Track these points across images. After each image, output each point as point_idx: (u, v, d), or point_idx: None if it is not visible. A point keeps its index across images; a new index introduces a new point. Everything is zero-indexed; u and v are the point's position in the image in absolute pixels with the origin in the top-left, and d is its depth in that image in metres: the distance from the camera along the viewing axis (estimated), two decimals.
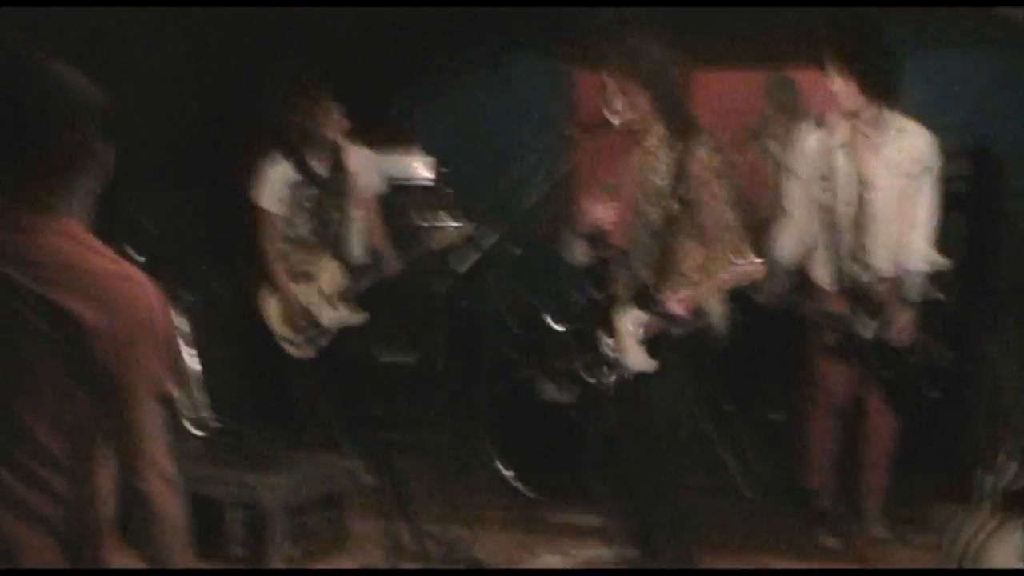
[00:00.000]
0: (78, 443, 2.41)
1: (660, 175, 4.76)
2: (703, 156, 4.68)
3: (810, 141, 5.47)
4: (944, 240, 5.71)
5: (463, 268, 5.45)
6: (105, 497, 2.46)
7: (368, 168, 6.50)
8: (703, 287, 4.69)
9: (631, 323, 4.79)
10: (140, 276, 2.42)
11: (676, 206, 4.70)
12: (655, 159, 4.78)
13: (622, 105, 4.76)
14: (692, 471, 6.07)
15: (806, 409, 5.66)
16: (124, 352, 2.36)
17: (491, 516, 5.55)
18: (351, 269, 6.35)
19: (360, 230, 6.47)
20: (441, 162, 7.34)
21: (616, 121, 4.76)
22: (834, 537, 5.55)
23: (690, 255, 4.71)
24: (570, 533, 5.72)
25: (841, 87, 5.22)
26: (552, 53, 7.93)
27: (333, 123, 6.27)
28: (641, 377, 4.81)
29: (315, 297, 6.30)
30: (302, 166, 6.33)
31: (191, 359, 6.11)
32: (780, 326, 5.75)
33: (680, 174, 4.69)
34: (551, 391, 6.18)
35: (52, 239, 2.40)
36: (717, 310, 4.74)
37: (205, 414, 6.03)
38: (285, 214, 6.35)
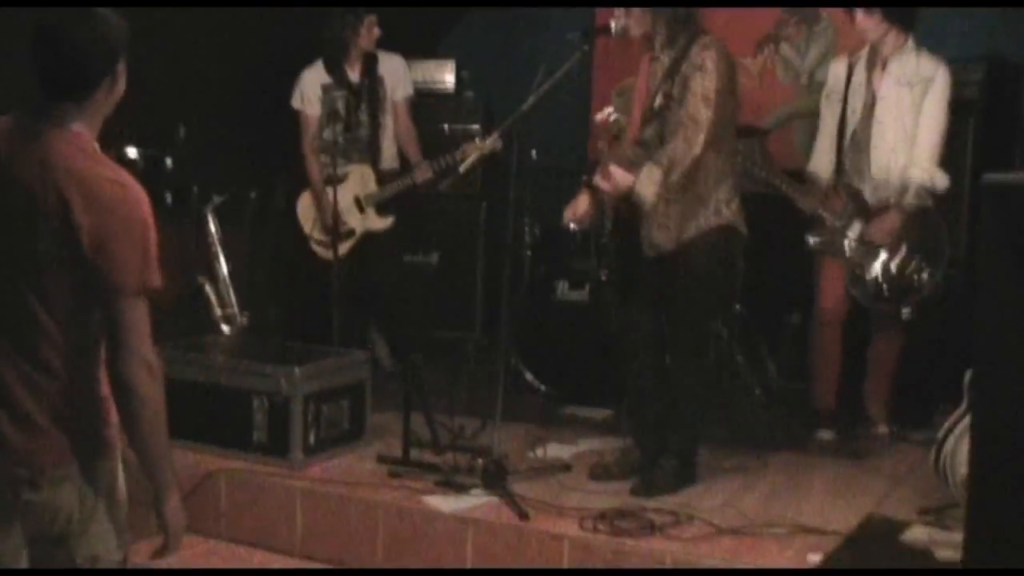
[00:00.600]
0: (78, 333, 2.77)
1: (658, 75, 4.91)
2: (694, 52, 4.79)
3: (838, 63, 5.77)
4: (953, 145, 5.89)
5: (461, 168, 5.59)
6: (100, 381, 2.83)
7: (398, 73, 6.67)
8: (637, 168, 4.78)
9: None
10: (131, 183, 2.77)
11: (659, 100, 4.86)
12: (659, 62, 4.93)
13: (627, 11, 4.93)
14: (701, 370, 6.37)
15: (812, 312, 5.82)
16: (108, 249, 2.67)
17: (505, 409, 5.74)
18: (381, 174, 6.56)
19: (390, 136, 6.66)
20: (460, 66, 7.48)
21: (614, 26, 4.92)
22: (831, 432, 5.74)
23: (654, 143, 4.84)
24: (578, 425, 5.96)
25: (864, 20, 5.47)
26: None
27: (367, 32, 6.47)
28: (635, 280, 5.01)
29: (346, 200, 6.50)
30: (334, 70, 6.54)
31: (220, 258, 6.39)
32: (797, 227, 5.89)
33: (672, 72, 4.84)
34: (564, 289, 6.38)
35: (64, 148, 2.72)
36: (648, 192, 4.75)
37: (232, 310, 6.29)
38: (319, 116, 6.55)
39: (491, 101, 7.61)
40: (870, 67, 5.59)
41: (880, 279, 5.51)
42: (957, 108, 5.69)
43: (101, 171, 2.74)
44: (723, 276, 5.08)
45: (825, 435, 5.73)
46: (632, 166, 4.80)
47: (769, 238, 6.33)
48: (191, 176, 6.67)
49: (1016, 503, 3.23)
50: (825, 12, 7.10)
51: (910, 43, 5.53)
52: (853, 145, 5.59)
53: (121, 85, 2.85)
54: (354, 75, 6.58)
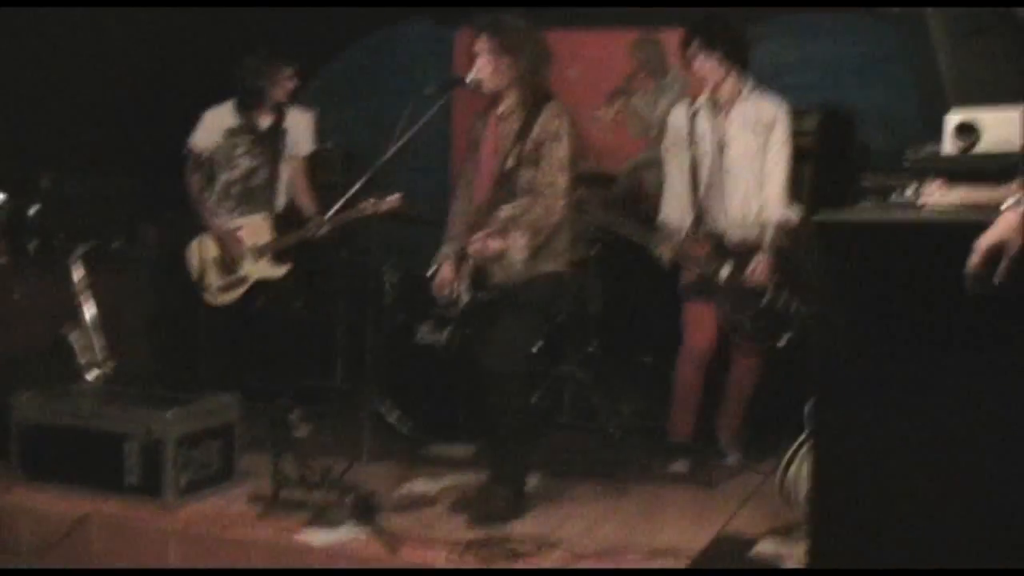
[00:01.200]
0: None
1: (509, 136, 5.19)
2: (545, 119, 5.13)
3: (677, 112, 6.03)
4: (794, 190, 6.27)
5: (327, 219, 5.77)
6: None
7: (305, 129, 6.80)
8: (508, 235, 5.10)
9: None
10: None
11: (511, 163, 5.15)
12: (508, 122, 5.22)
13: (484, 66, 5.20)
14: (558, 410, 6.63)
15: (675, 350, 6.09)
16: None
17: (371, 450, 5.91)
18: (277, 224, 6.66)
19: (287, 187, 6.78)
20: (321, 119, 7.67)
21: (469, 79, 5.20)
22: (685, 462, 6.00)
23: (513, 205, 5.12)
24: (443, 462, 6.14)
25: (702, 63, 5.79)
26: (434, 18, 8.29)
27: (282, 83, 6.60)
28: (488, 317, 5.26)
29: (241, 247, 6.60)
30: (243, 115, 6.64)
31: (87, 304, 6.45)
32: (653, 272, 6.19)
33: (523, 135, 5.13)
34: (424, 333, 6.58)
35: None
36: (516, 259, 5.11)
37: (97, 358, 6.36)
38: (218, 159, 6.64)
39: (352, 152, 7.80)
40: (713, 114, 5.89)
41: (756, 317, 5.81)
42: (794, 155, 6.07)
43: None
44: (545, 317, 5.47)
45: (679, 467, 5.99)
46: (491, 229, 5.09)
47: (625, 282, 6.68)
48: (55, 225, 6.75)
49: (852, 514, 3.53)
50: (673, 64, 7.46)
51: (748, 86, 5.87)
52: (708, 192, 5.87)
53: None
54: (262, 122, 6.68)
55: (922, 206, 3.67)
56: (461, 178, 5.53)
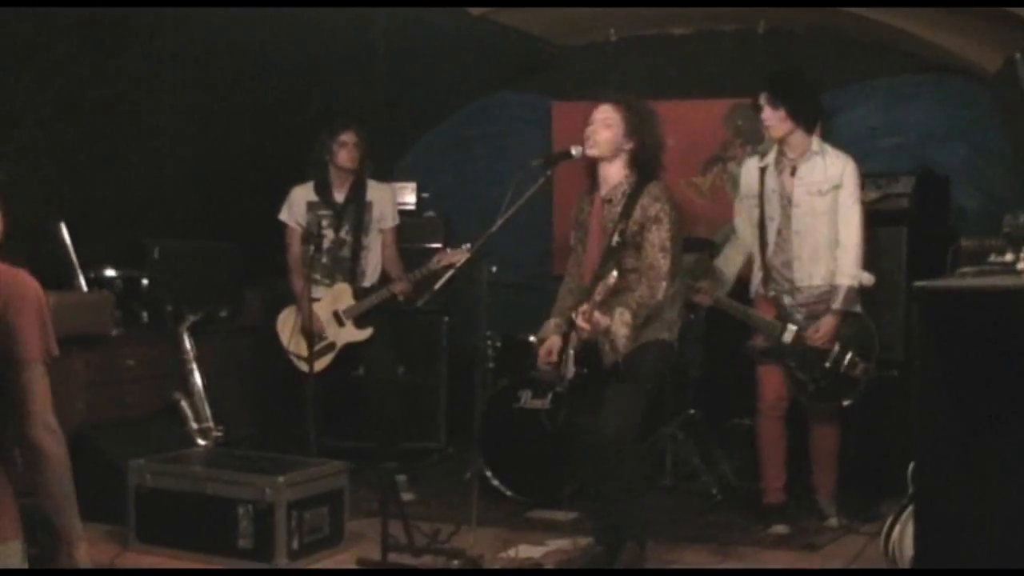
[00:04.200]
0: None
1: (613, 218, 5.31)
2: (646, 202, 5.22)
3: (749, 165, 6.15)
4: (887, 252, 6.33)
5: (437, 285, 5.89)
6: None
7: (387, 203, 7.00)
8: (611, 313, 5.15)
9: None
10: (26, 276, 3.12)
11: (616, 241, 5.26)
12: (612, 203, 5.33)
13: (596, 132, 5.31)
14: (660, 473, 6.68)
15: (755, 412, 6.17)
16: (12, 329, 3.05)
17: (476, 514, 5.99)
18: (360, 289, 6.87)
19: (373, 258, 6.97)
20: (421, 188, 7.86)
21: (574, 151, 5.32)
22: (784, 525, 6.03)
23: (615, 281, 5.15)
24: (546, 527, 6.21)
25: (770, 116, 5.89)
26: (531, 88, 8.46)
27: (340, 150, 6.81)
28: (591, 387, 5.35)
29: (325, 314, 6.81)
30: (321, 191, 6.88)
31: (195, 374, 6.66)
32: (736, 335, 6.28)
33: (626, 215, 5.25)
34: (527, 398, 6.69)
35: None
36: (621, 334, 5.17)
37: (208, 424, 6.55)
38: (309, 232, 6.85)
39: (451, 219, 7.97)
40: (780, 171, 5.97)
41: (820, 379, 5.87)
42: (890, 218, 6.14)
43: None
44: (658, 382, 5.52)
45: (779, 529, 6.02)
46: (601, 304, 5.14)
47: (723, 347, 6.76)
48: (165, 295, 6.98)
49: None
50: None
51: (814, 144, 5.92)
52: (776, 252, 5.97)
53: None
54: (340, 196, 6.89)
55: (1021, 271, 3.72)
56: (571, 256, 5.61)
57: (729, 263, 6.21)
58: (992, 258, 4.23)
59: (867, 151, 6.91)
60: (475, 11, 7.03)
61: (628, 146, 5.30)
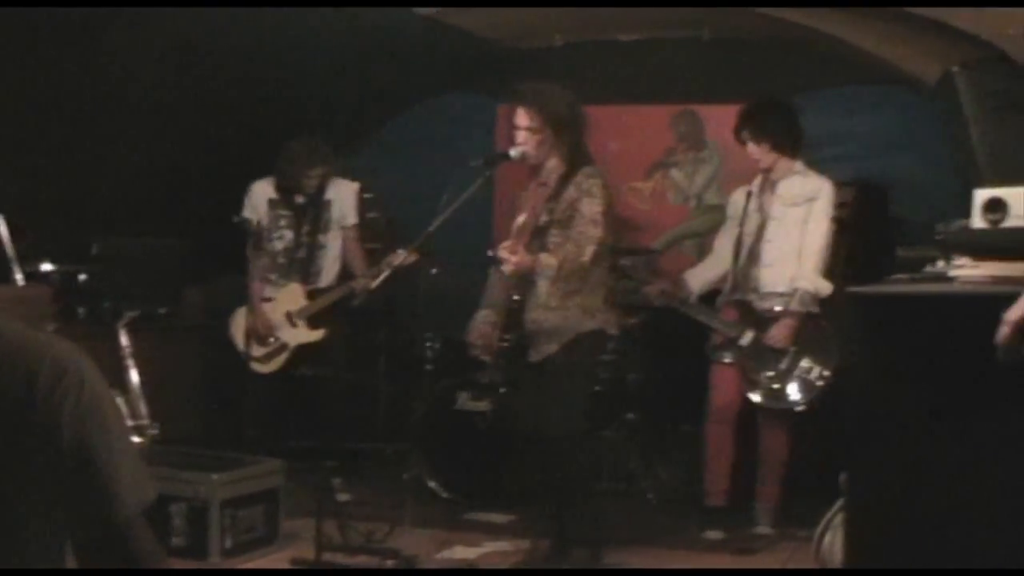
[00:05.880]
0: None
1: (545, 193, 5.35)
2: (579, 179, 5.31)
3: (736, 196, 6.32)
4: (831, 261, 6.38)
5: (373, 284, 5.90)
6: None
7: (347, 198, 7.00)
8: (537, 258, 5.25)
9: None
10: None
11: (543, 220, 5.32)
12: (548, 188, 5.36)
13: (526, 140, 5.34)
14: (600, 475, 6.69)
15: (705, 416, 6.19)
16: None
17: (412, 514, 5.98)
18: (313, 290, 6.84)
19: (331, 257, 6.96)
20: (364, 189, 7.82)
21: (513, 153, 5.35)
22: (718, 530, 6.06)
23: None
24: (483, 529, 6.21)
25: (754, 151, 6.04)
26: (476, 89, 8.45)
27: (312, 178, 6.79)
28: (534, 384, 5.36)
29: (277, 315, 6.77)
30: (282, 188, 6.86)
31: (132, 371, 6.58)
32: (694, 341, 6.31)
33: (557, 195, 5.30)
34: (465, 399, 6.68)
35: None
36: (547, 264, 5.23)
37: (144, 421, 6.48)
38: (266, 229, 6.84)
39: (395, 220, 7.93)
40: (762, 191, 6.12)
41: (774, 379, 5.91)
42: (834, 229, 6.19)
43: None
44: (594, 372, 5.74)
45: (714, 534, 6.06)
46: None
47: (663, 351, 6.78)
48: (103, 290, 6.91)
49: None
50: (711, 139, 7.59)
51: (797, 166, 6.06)
52: (748, 261, 6.07)
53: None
54: (300, 197, 6.87)
55: (952, 279, 3.75)
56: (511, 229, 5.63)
57: (698, 278, 6.31)
58: (927, 268, 4.27)
59: (811, 160, 6.93)
60: (423, 12, 7.01)
61: (557, 142, 5.36)
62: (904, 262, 4.76)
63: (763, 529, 6.09)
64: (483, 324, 5.54)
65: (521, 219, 5.51)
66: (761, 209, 6.10)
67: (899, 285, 3.80)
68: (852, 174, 7.02)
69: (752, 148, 6.05)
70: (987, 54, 5.35)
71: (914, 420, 3.49)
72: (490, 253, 5.49)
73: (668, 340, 6.90)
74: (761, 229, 6.06)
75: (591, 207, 5.26)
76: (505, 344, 5.44)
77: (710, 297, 6.29)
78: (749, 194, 6.18)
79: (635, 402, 7.00)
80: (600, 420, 6.73)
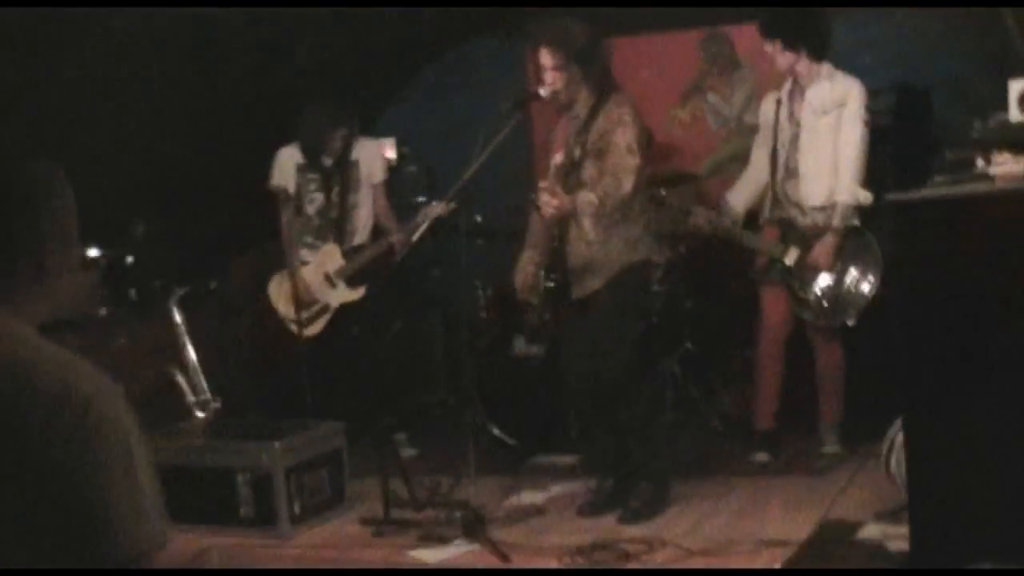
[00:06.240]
0: None
1: (576, 126, 5.30)
2: (608, 108, 5.25)
3: (766, 105, 6.17)
4: (872, 170, 6.27)
5: (413, 238, 5.90)
6: None
7: (372, 157, 6.97)
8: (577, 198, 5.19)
9: None
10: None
11: (577, 154, 5.26)
12: (579, 121, 5.30)
13: (555, 79, 5.29)
14: (660, 407, 6.65)
15: (756, 338, 6.13)
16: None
17: (476, 463, 5.99)
18: (348, 250, 6.83)
19: (363, 216, 6.93)
20: (401, 142, 7.79)
21: (543, 92, 5.29)
22: (765, 453, 6.05)
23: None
24: (548, 472, 6.22)
25: (780, 56, 5.88)
26: (505, 34, 8.36)
27: (335, 141, 6.77)
28: (580, 323, 5.33)
29: (316, 277, 6.78)
30: (309, 152, 6.83)
31: (188, 348, 6.61)
32: (744, 266, 6.24)
33: (587, 127, 5.25)
34: (521, 344, 6.66)
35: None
36: (587, 204, 5.17)
37: (205, 396, 6.51)
38: (295, 194, 6.84)
39: (433, 172, 7.91)
40: (792, 99, 5.97)
41: (822, 297, 5.84)
42: (872, 136, 6.07)
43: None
44: (644, 304, 5.59)
45: (761, 457, 6.05)
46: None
47: (716, 278, 6.72)
48: (152, 271, 6.94)
49: (950, 495, 3.54)
50: (743, 57, 7.46)
51: (824, 69, 5.90)
52: (785, 176, 5.96)
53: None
54: (328, 159, 6.84)
55: (994, 177, 3.67)
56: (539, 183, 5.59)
57: (739, 195, 6.16)
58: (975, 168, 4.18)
59: (848, 69, 6.80)
60: None
61: (583, 76, 5.28)
62: (954, 165, 4.68)
63: (830, 448, 6.03)
64: (527, 267, 5.50)
65: (558, 157, 5.47)
66: (792, 118, 5.96)
67: (938, 188, 3.73)
68: (890, 80, 6.88)
69: (777, 53, 5.89)
70: None
71: (960, 324, 3.43)
72: (530, 196, 5.44)
73: (720, 265, 6.83)
74: (795, 140, 5.93)
75: (625, 136, 5.19)
76: (551, 284, 5.39)
77: (752, 216, 6.19)
78: (779, 102, 6.02)
79: (692, 331, 6.95)
80: (657, 351, 6.69)
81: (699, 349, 6.94)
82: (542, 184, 5.30)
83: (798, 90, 5.95)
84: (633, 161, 5.16)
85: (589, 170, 5.25)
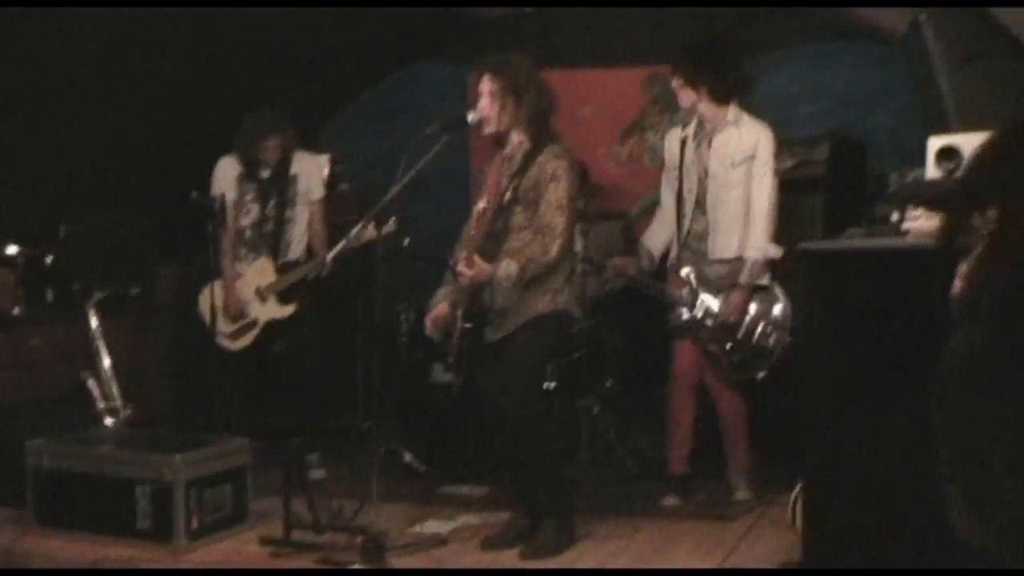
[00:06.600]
0: None
1: (510, 169, 5.23)
2: (544, 159, 5.17)
3: (672, 135, 6.05)
4: (803, 219, 6.26)
5: (329, 256, 5.85)
6: None
7: (312, 172, 6.89)
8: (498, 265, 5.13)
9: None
10: None
11: (507, 198, 5.20)
12: (514, 164, 5.24)
13: (486, 106, 5.23)
14: (573, 444, 6.59)
15: (669, 380, 6.08)
16: None
17: (386, 489, 5.89)
18: (282, 265, 6.73)
19: (298, 231, 6.84)
20: (335, 160, 7.71)
21: (471, 117, 5.23)
22: (675, 497, 5.99)
23: (511, 239, 5.19)
24: (457, 503, 6.12)
25: (674, 84, 5.84)
26: (450, 57, 8.33)
27: (269, 150, 6.68)
28: (495, 360, 5.27)
29: (247, 291, 6.67)
30: (247, 163, 6.73)
31: (103, 353, 6.50)
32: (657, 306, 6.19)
33: (521, 172, 5.18)
34: (439, 371, 6.58)
35: None
36: (504, 285, 5.12)
37: (115, 403, 6.40)
38: (233, 205, 6.73)
39: (368, 192, 7.82)
40: (698, 142, 5.86)
41: (731, 352, 5.80)
42: (807, 185, 6.07)
43: None
44: (553, 354, 5.55)
45: (671, 500, 5.98)
46: (486, 255, 5.15)
47: (644, 318, 6.67)
48: (72, 272, 6.82)
49: (846, 551, 3.49)
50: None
51: (730, 113, 5.80)
52: (691, 224, 5.87)
53: None
54: (265, 171, 6.76)
55: (906, 232, 3.64)
56: (468, 220, 5.53)
57: (654, 239, 6.09)
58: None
59: (787, 118, 6.83)
60: None
61: (518, 112, 5.23)
62: (879, 218, 4.66)
63: (741, 494, 5.98)
64: (443, 306, 5.42)
65: (482, 204, 5.38)
66: (699, 163, 5.84)
67: (850, 240, 3.70)
68: (830, 130, 6.90)
69: (679, 88, 5.81)
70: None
71: (864, 373, 3.40)
72: (451, 263, 5.36)
73: (644, 306, 6.77)
74: (701, 187, 5.82)
75: (556, 193, 5.14)
76: (468, 326, 5.31)
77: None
78: (683, 141, 5.92)
79: (614, 368, 6.89)
80: (576, 390, 6.64)
81: (620, 387, 6.89)
82: (461, 254, 5.23)
83: (705, 134, 5.85)
84: (560, 221, 5.12)
85: (518, 217, 5.20)
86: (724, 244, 5.81)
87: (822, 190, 6.49)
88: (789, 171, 6.40)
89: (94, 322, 6.56)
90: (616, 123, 7.78)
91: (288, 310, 6.69)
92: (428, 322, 5.46)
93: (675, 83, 5.83)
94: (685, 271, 5.87)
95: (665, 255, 6.10)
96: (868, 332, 3.39)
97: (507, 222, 5.20)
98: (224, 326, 6.63)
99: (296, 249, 6.82)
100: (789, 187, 6.05)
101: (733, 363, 5.84)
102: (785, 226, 5.85)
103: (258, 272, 6.70)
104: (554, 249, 5.12)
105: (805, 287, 3.53)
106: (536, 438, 5.25)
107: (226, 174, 6.76)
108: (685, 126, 5.98)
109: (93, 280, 6.81)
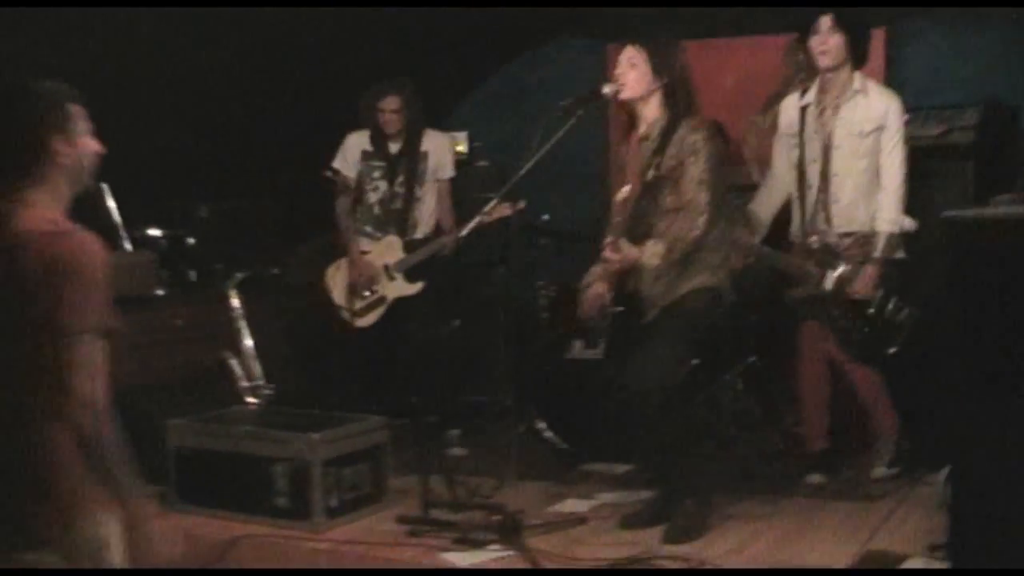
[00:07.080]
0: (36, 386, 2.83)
1: (649, 149, 5.12)
2: (681, 134, 5.04)
3: (789, 102, 5.89)
4: (950, 188, 6.03)
5: (462, 233, 5.79)
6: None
7: (443, 153, 6.87)
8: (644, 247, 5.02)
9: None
10: (80, 234, 2.85)
11: (650, 177, 5.07)
12: (648, 141, 5.14)
13: (624, 74, 5.12)
14: (714, 424, 6.46)
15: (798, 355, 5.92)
16: (62, 296, 2.77)
17: (525, 467, 5.85)
18: (410, 243, 6.73)
19: (426, 210, 6.84)
20: (473, 137, 7.67)
21: (606, 89, 5.13)
22: (819, 474, 5.84)
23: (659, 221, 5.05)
24: (597, 481, 6.05)
25: (828, 42, 5.59)
26: (590, 32, 8.23)
27: (383, 116, 6.67)
28: (640, 336, 5.15)
29: (376, 267, 6.69)
30: (375, 139, 6.75)
31: (245, 332, 6.56)
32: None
33: (660, 150, 5.06)
34: (579, 348, 6.49)
35: (23, 223, 2.87)
36: (651, 264, 5.02)
37: (258, 383, 6.45)
38: (358, 180, 6.76)
39: (507, 168, 7.78)
40: (820, 110, 5.68)
41: (863, 327, 5.59)
42: (954, 152, 5.83)
43: (46, 227, 2.86)
44: (704, 332, 5.29)
45: (815, 478, 5.83)
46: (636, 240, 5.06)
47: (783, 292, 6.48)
48: (213, 254, 6.90)
49: (991, 527, 3.33)
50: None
51: (856, 82, 5.61)
52: (817, 195, 5.67)
53: (66, 159, 2.95)
54: (394, 147, 6.76)
55: None
56: (614, 203, 5.41)
57: (764, 206, 5.90)
58: None
59: (934, 83, 6.60)
60: None
61: (657, 84, 5.12)
62: None
63: (879, 471, 5.81)
64: (596, 286, 5.30)
65: (625, 190, 5.28)
66: (822, 131, 5.65)
67: (995, 209, 3.53)
68: (978, 95, 6.63)
69: (827, 39, 5.57)
70: None
71: (1019, 355, 3.22)
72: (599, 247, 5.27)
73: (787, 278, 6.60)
74: (826, 157, 5.63)
75: (697, 167, 5.01)
76: (619, 310, 5.23)
77: (779, 231, 5.93)
78: (804, 109, 5.73)
79: (758, 344, 6.73)
80: (720, 364, 6.50)
81: (764, 363, 6.73)
82: (606, 239, 5.15)
83: (828, 101, 5.66)
84: (703, 197, 4.99)
85: (665, 198, 5.07)
86: (851, 216, 5.62)
87: (971, 157, 6.23)
88: (937, 137, 6.18)
89: (236, 302, 6.62)
90: (758, 92, 7.57)
91: (416, 287, 6.68)
92: (584, 303, 5.34)
93: (827, 39, 5.59)
94: (813, 241, 5.66)
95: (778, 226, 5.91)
96: (1017, 304, 3.21)
97: (653, 203, 5.08)
98: (351, 303, 6.65)
99: (425, 227, 6.82)
100: (936, 154, 5.86)
101: (865, 339, 5.62)
102: (931, 194, 5.62)
103: (386, 249, 6.70)
104: (698, 225, 4.99)
105: (949, 258, 3.35)
106: (677, 419, 5.14)
107: (353, 149, 6.77)
108: (804, 92, 5.78)
109: (234, 260, 6.87)
